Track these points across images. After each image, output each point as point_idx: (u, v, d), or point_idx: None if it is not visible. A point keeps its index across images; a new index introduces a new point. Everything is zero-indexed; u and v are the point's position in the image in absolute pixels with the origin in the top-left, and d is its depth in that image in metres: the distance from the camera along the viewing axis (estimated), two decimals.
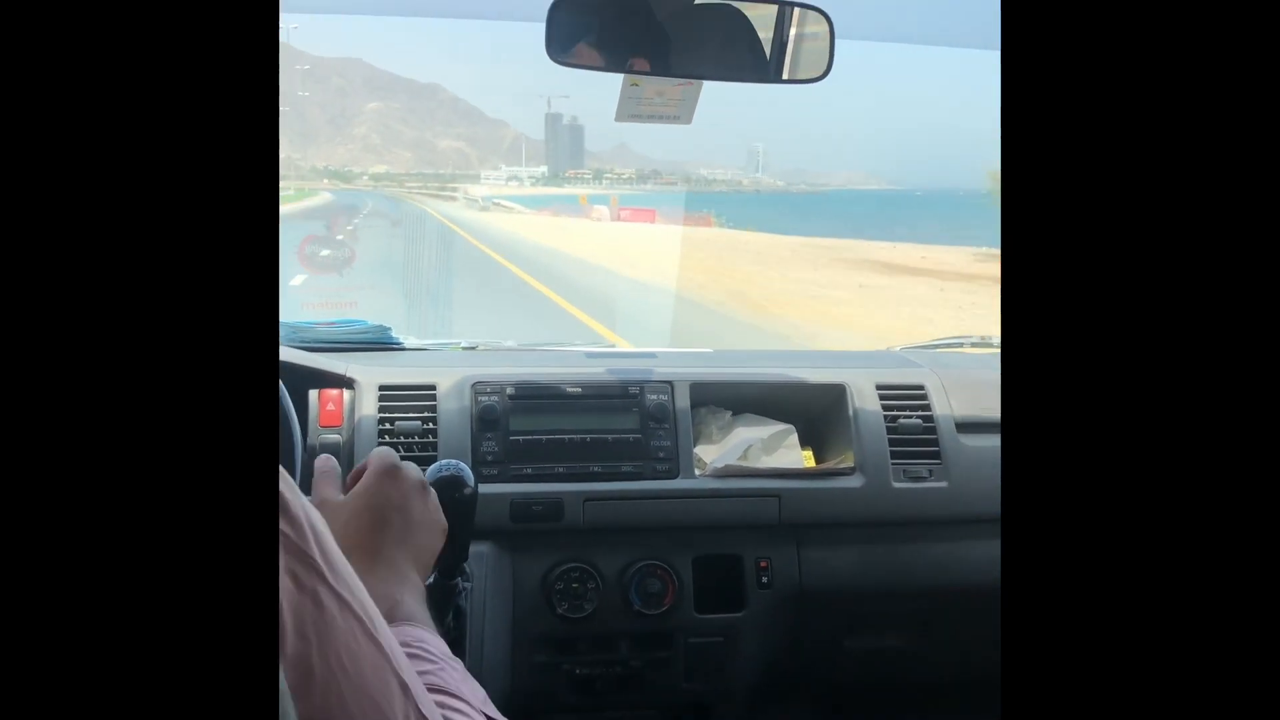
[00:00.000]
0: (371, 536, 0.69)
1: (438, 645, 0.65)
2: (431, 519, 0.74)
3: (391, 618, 0.61)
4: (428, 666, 0.60)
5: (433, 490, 0.76)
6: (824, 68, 1.15)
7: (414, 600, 0.68)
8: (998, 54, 0.42)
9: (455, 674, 0.62)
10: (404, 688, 0.50)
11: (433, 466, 0.91)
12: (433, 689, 0.57)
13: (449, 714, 0.56)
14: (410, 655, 0.57)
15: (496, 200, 37.97)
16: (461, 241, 17.08)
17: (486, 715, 0.59)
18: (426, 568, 0.73)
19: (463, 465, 0.94)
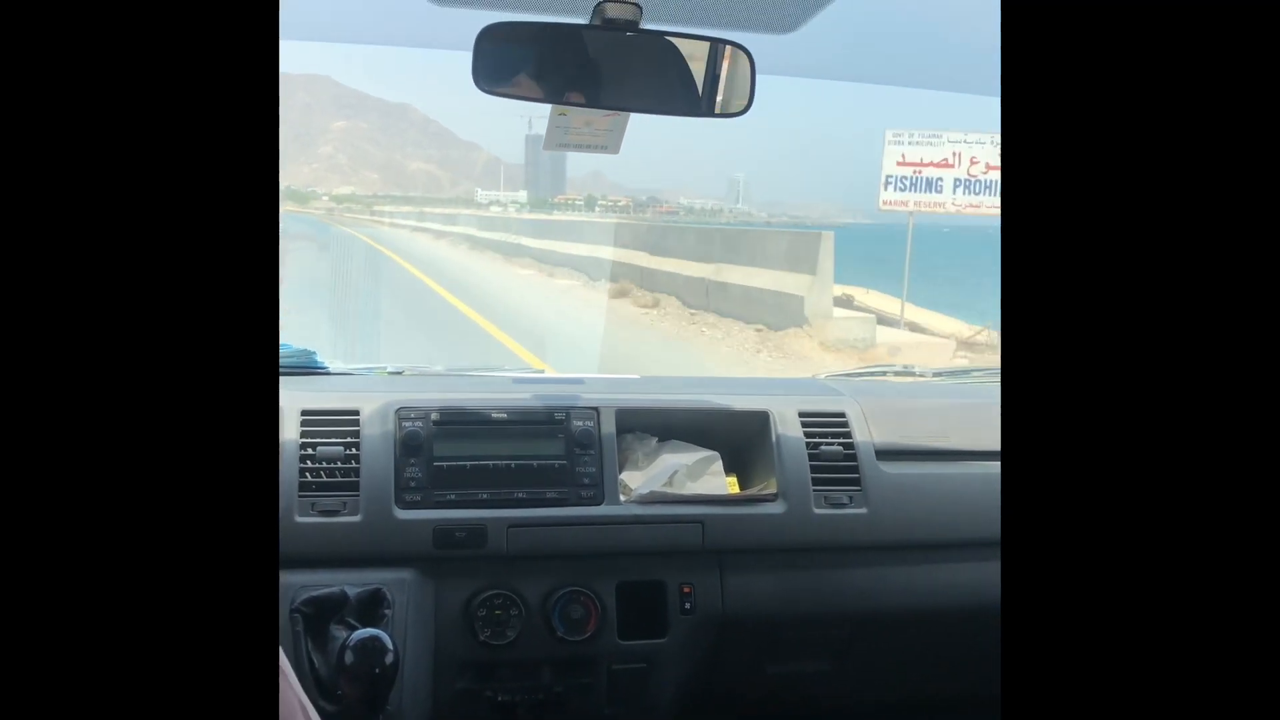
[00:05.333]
0: None
1: None
2: None
3: None
4: None
5: None
6: (746, 102, 1.19)
7: None
8: (972, 97, 0.43)
9: None
10: (302, 707, 0.51)
11: (355, 635, 1.07)
12: None
13: None
14: None
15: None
16: None
17: None
18: None
19: (382, 635, 1.07)
